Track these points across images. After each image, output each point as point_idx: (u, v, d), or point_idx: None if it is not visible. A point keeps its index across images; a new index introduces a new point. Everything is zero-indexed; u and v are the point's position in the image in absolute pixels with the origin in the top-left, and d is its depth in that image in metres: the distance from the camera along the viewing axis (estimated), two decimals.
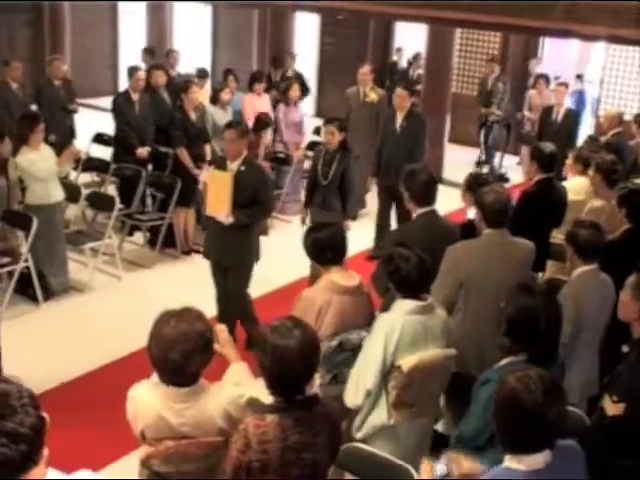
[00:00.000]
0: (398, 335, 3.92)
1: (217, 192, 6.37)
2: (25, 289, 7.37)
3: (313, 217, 7.51)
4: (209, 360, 3.22)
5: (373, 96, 10.25)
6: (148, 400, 3.24)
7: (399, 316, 3.98)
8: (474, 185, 5.42)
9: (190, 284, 7.37)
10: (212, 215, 6.47)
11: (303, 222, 7.57)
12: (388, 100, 10.21)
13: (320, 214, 7.38)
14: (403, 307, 4.02)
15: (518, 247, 4.87)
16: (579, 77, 14.20)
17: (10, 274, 7.23)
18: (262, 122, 9.47)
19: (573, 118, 10.52)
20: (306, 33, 16.04)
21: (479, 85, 13.79)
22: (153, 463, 3.28)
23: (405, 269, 4.00)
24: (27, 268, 7.20)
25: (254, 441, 2.88)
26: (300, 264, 6.58)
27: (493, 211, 4.75)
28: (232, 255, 6.43)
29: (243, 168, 6.33)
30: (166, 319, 3.18)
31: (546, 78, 12.77)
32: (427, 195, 5.18)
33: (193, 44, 16.42)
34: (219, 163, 6.69)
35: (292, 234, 7.43)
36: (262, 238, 6.95)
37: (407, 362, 3.88)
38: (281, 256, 7.98)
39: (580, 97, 14.11)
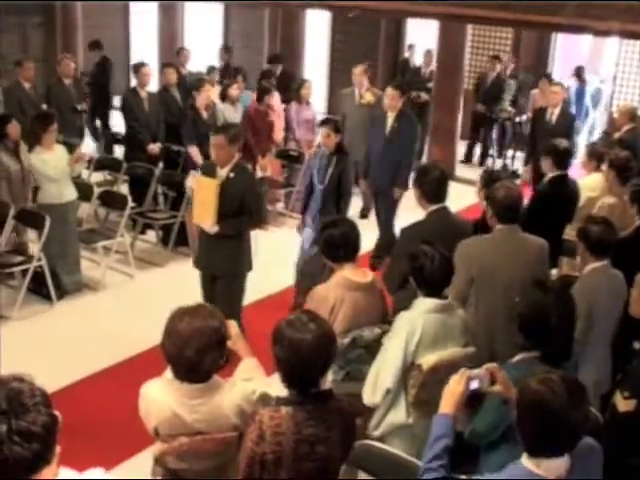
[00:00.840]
0: (419, 334, 3.91)
1: (203, 199, 6.07)
2: (39, 288, 7.40)
3: (307, 223, 7.23)
4: (223, 356, 3.23)
5: (369, 97, 9.93)
6: (161, 397, 3.25)
7: (420, 315, 3.96)
8: (490, 182, 5.42)
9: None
10: (197, 223, 6.24)
11: (299, 230, 7.36)
12: None
13: (313, 220, 7.11)
14: (424, 306, 4.00)
15: (529, 243, 4.87)
16: (578, 75, 14.00)
17: (24, 273, 7.28)
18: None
19: (568, 119, 9.94)
20: (317, 31, 16.04)
21: (477, 80, 13.57)
22: (167, 460, 3.29)
23: (429, 268, 3.97)
24: (40, 267, 7.23)
25: (268, 433, 2.91)
26: None
27: (504, 207, 4.75)
28: (222, 265, 6.15)
29: (232, 175, 6.02)
30: (180, 316, 3.19)
31: (549, 77, 12.40)
32: (439, 192, 5.17)
33: (204, 43, 16.43)
34: (208, 168, 6.29)
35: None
36: (274, 237, 6.97)
37: (427, 361, 3.86)
38: (292, 255, 7.97)
39: (579, 96, 13.96)
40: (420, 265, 4.01)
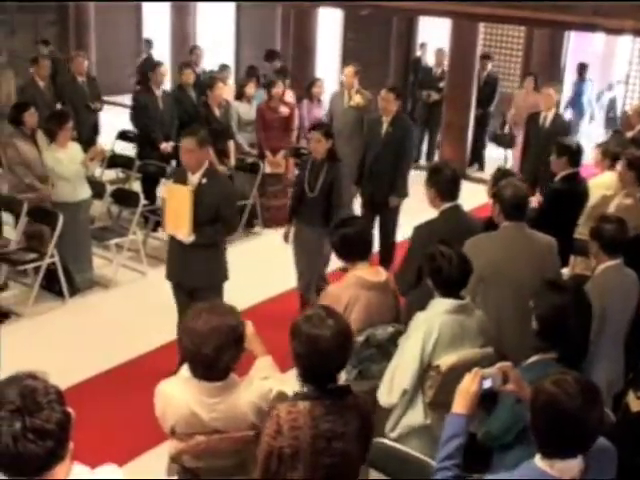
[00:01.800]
0: (437, 335, 3.89)
1: (176, 208, 5.73)
2: (51, 285, 7.43)
3: (297, 232, 6.94)
4: (240, 354, 3.24)
5: (358, 99, 9.47)
6: (178, 395, 3.26)
7: (437, 315, 3.95)
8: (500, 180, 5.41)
9: None
10: (171, 233, 5.91)
11: (286, 238, 7.05)
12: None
13: (305, 229, 6.86)
14: (441, 306, 3.98)
15: (537, 240, 4.87)
16: (581, 74, 13.83)
17: (36, 270, 7.31)
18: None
19: (563, 124, 9.30)
20: (329, 30, 16.02)
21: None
22: (184, 459, 3.30)
23: (447, 270, 3.95)
24: (53, 264, 7.26)
25: (286, 427, 2.92)
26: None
27: (511, 204, 4.77)
28: (197, 276, 5.82)
29: (204, 181, 5.69)
30: (198, 313, 3.20)
31: (535, 77, 11.83)
32: (452, 190, 5.16)
33: (217, 41, 16.45)
34: (179, 176, 5.93)
35: None
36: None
37: (446, 362, 3.84)
38: None
39: (577, 96, 13.80)
40: (438, 266, 3.98)
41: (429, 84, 13.03)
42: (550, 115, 9.17)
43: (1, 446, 2.17)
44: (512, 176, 5.56)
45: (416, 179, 7.61)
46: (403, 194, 8.11)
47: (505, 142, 12.29)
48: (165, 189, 6.11)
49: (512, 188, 4.83)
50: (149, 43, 14.25)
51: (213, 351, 3.10)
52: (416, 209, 5.89)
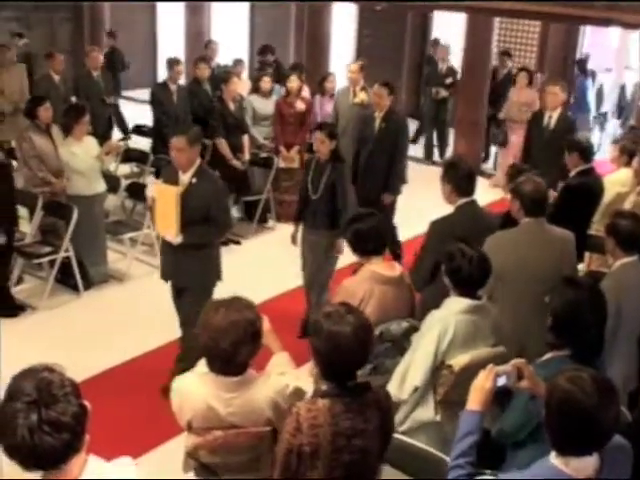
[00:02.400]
0: (451, 334, 3.87)
1: (164, 208, 5.64)
2: (66, 278, 7.46)
3: (303, 236, 6.80)
4: (258, 349, 3.25)
5: (363, 97, 9.32)
6: (195, 390, 3.26)
7: (452, 315, 3.93)
8: (517, 177, 5.40)
9: (227, 274, 7.37)
10: (160, 233, 5.87)
11: (294, 240, 6.89)
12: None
13: (309, 232, 6.72)
14: (457, 306, 3.96)
15: (556, 236, 4.88)
16: (580, 67, 13.66)
17: (51, 264, 7.34)
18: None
19: (569, 124, 8.73)
20: (343, 26, 15.99)
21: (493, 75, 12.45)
22: (200, 454, 3.30)
23: (467, 270, 3.91)
24: (68, 258, 7.29)
25: (305, 425, 2.91)
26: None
27: (532, 200, 4.77)
28: (187, 277, 5.69)
29: (195, 180, 5.56)
30: (215, 308, 3.22)
31: (529, 73, 11.38)
32: (468, 186, 5.15)
33: (231, 36, 16.45)
34: (169, 175, 5.79)
35: None
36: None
37: (458, 362, 3.83)
38: None
39: (580, 93, 13.60)
40: (457, 265, 3.94)
41: (436, 80, 12.89)
42: (555, 115, 8.67)
43: (17, 438, 2.18)
44: (527, 172, 5.53)
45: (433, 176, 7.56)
46: (397, 191, 8.03)
47: (498, 140, 11.81)
48: (155, 189, 6.01)
49: (532, 184, 4.83)
50: (112, 35, 14.17)
51: (231, 346, 3.10)
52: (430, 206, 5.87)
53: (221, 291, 6.09)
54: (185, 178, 5.58)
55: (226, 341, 3.10)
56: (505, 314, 4.59)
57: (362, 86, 9.44)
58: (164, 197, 5.65)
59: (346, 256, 5.74)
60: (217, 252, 5.90)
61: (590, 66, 14.04)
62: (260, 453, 3.24)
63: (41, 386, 2.24)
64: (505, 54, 12.81)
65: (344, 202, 6.64)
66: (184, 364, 5.32)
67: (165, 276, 5.90)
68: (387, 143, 7.90)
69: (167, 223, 5.62)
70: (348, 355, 2.96)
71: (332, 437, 2.93)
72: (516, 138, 11.02)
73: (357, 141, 8.26)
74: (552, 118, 8.68)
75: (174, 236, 5.58)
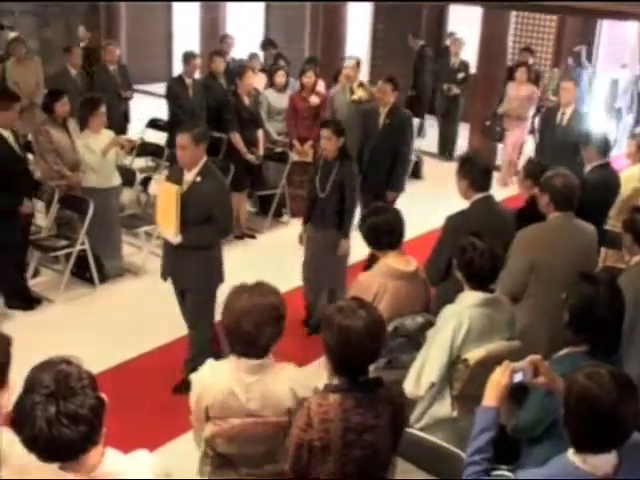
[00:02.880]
0: (466, 328, 3.87)
1: (165, 207, 5.53)
2: (81, 272, 7.49)
3: (310, 235, 6.71)
4: (280, 334, 3.25)
5: (360, 93, 9.19)
6: (217, 377, 3.28)
7: (466, 309, 3.93)
8: (538, 172, 5.39)
9: (242, 268, 7.37)
10: (161, 233, 5.78)
11: (301, 240, 6.84)
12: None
13: (317, 231, 6.63)
14: (471, 299, 3.97)
15: (585, 230, 4.93)
16: (575, 59, 13.43)
17: (67, 257, 7.37)
18: None
19: (582, 121, 8.54)
20: (359, 19, 15.94)
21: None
22: (217, 442, 3.31)
23: (478, 263, 3.93)
24: (83, 251, 7.31)
25: (316, 420, 2.90)
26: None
27: (563, 194, 4.80)
28: (190, 278, 5.61)
29: (199, 179, 5.43)
30: (239, 292, 3.23)
31: (528, 68, 11.10)
32: (484, 181, 5.14)
33: (246, 30, 16.44)
34: (174, 173, 5.70)
35: None
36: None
37: (474, 356, 3.83)
38: None
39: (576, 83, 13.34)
40: (469, 259, 3.95)
41: (448, 75, 12.69)
42: (568, 112, 8.58)
43: (36, 430, 2.20)
44: (547, 167, 5.51)
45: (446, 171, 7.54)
46: (400, 189, 7.95)
47: (493, 135, 11.56)
48: (157, 186, 5.92)
49: (562, 178, 4.85)
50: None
51: (253, 328, 3.13)
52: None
53: (236, 283, 6.14)
54: (189, 177, 5.48)
55: (249, 323, 3.12)
56: (538, 308, 4.61)
57: (359, 82, 9.33)
58: (165, 195, 5.56)
59: (362, 251, 5.74)
60: (219, 253, 5.79)
61: (605, 62, 13.95)
62: (278, 444, 3.22)
63: (59, 378, 2.26)
64: (527, 50, 12.63)
65: (352, 201, 6.57)
66: (193, 364, 5.34)
67: (164, 276, 5.82)
68: (391, 139, 7.81)
69: (167, 222, 5.52)
70: (359, 350, 2.95)
71: (343, 432, 2.92)
72: (514, 134, 10.95)
73: (360, 138, 8.12)
74: (565, 114, 8.58)
75: (174, 235, 5.49)
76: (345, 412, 2.92)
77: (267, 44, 12.72)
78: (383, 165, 7.80)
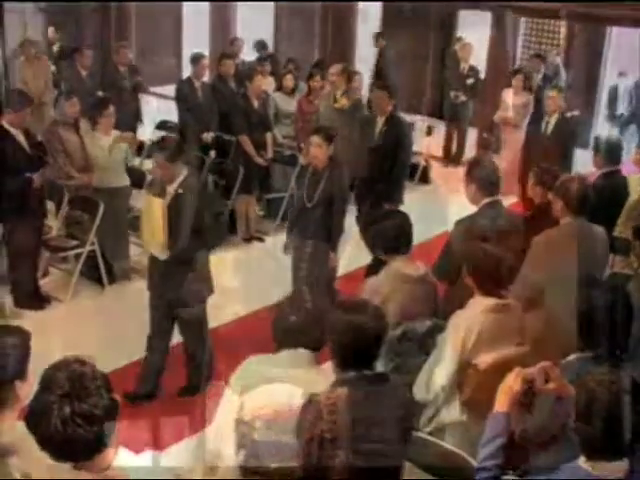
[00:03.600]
0: (477, 334, 3.89)
1: (151, 222, 5.44)
2: (90, 272, 7.52)
3: (296, 245, 6.48)
4: None
5: (343, 102, 8.88)
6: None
7: (477, 314, 3.94)
8: (547, 178, 5.41)
9: (251, 270, 7.44)
10: (147, 248, 5.69)
11: (286, 250, 6.63)
12: None
13: (301, 243, 6.41)
14: (482, 305, 3.98)
15: (597, 234, 4.97)
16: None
17: (77, 257, 7.39)
18: None
19: (567, 130, 8.35)
20: (368, 25, 15.95)
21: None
22: (257, 425, 3.28)
23: (488, 269, 3.94)
24: (93, 251, 7.34)
25: (325, 412, 2.93)
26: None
27: (578, 199, 4.81)
28: (176, 293, 5.52)
29: (181, 191, 5.36)
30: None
31: (525, 75, 10.78)
32: (493, 185, 5.14)
33: (256, 33, 16.47)
34: (155, 187, 5.58)
35: None
36: None
37: (484, 361, 3.85)
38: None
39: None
40: (479, 264, 3.97)
41: (457, 81, 12.48)
42: (553, 120, 8.40)
43: (51, 429, 2.22)
44: (558, 173, 5.53)
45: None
46: (398, 200, 7.61)
47: (490, 146, 11.41)
48: (142, 201, 5.84)
49: (578, 182, 4.85)
50: None
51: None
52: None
53: (245, 286, 6.16)
54: (171, 189, 5.41)
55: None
56: (553, 314, 4.61)
57: (344, 90, 9.02)
58: (150, 209, 5.48)
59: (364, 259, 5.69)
60: (207, 265, 5.69)
61: (616, 68, 13.93)
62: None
63: (74, 378, 2.28)
64: (538, 57, 12.48)
65: (341, 213, 6.37)
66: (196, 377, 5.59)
67: (152, 289, 5.73)
68: (388, 148, 7.54)
69: (154, 237, 5.44)
70: (365, 344, 3.08)
71: (351, 424, 2.95)
72: (510, 142, 10.80)
73: (355, 147, 7.93)
74: (550, 124, 8.41)
75: (160, 251, 5.43)
76: (352, 405, 2.96)
77: (260, 46, 12.68)
78: (380, 175, 7.53)
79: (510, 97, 10.77)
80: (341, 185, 6.38)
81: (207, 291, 5.71)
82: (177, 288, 5.51)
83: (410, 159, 8.14)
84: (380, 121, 7.72)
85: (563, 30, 14.72)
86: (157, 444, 3.18)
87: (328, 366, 3.48)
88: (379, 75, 12.61)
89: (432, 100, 15.43)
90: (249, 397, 3.29)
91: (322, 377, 3.29)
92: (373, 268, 4.98)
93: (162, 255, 5.44)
